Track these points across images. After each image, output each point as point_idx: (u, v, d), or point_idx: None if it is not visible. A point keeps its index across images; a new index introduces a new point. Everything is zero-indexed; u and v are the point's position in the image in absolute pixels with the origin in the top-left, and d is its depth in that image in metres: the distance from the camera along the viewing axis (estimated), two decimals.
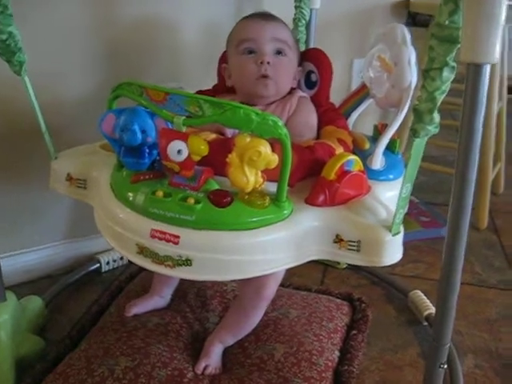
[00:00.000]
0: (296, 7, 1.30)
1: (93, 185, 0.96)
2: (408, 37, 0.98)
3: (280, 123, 0.74)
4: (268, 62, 1.02)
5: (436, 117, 0.74)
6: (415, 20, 1.83)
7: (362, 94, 1.16)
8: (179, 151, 0.75)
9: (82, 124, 1.20)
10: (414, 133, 0.75)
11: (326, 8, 1.40)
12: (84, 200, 0.98)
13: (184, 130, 0.76)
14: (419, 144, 0.76)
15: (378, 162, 0.99)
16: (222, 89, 1.12)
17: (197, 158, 0.76)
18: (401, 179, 1.00)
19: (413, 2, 1.69)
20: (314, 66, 1.12)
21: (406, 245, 0.84)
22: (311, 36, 1.39)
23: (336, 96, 1.18)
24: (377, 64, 1.06)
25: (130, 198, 0.82)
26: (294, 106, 1.05)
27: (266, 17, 1.06)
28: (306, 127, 1.03)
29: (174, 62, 1.39)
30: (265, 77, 1.02)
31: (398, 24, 1.01)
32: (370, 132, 1.16)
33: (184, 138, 0.75)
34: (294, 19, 1.30)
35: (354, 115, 1.17)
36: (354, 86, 1.63)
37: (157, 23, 1.36)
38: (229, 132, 0.98)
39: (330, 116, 1.08)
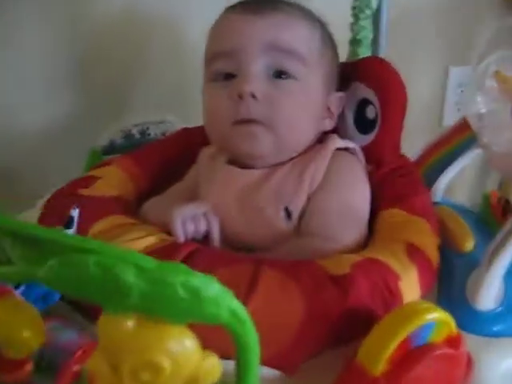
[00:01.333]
0: None
1: None
2: None
3: (222, 294, 0.26)
4: (253, 96, 0.54)
5: None
6: None
7: (461, 138, 0.65)
8: None
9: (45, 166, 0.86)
10: None
11: None
12: None
13: None
14: None
15: (490, 296, 0.48)
16: None
17: (18, 356, 0.30)
18: None
19: None
20: (371, 90, 0.61)
21: None
22: (382, 34, 0.88)
23: (419, 135, 0.68)
24: (493, 87, 0.57)
25: None
26: (323, 170, 0.56)
27: (259, 7, 0.57)
28: (341, 216, 0.54)
29: (171, 81, 0.93)
30: (247, 122, 0.55)
31: None
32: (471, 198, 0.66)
33: None
34: (354, 8, 0.80)
35: (447, 176, 0.66)
36: (449, 113, 1.13)
37: (148, 26, 0.91)
38: (189, 229, 0.51)
39: (397, 186, 0.58)
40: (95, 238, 0.48)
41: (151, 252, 0.45)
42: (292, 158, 0.58)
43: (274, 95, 0.55)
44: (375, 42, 0.88)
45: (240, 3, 0.60)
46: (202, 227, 0.51)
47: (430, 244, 0.51)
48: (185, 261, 0.44)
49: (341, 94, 0.62)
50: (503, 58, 0.55)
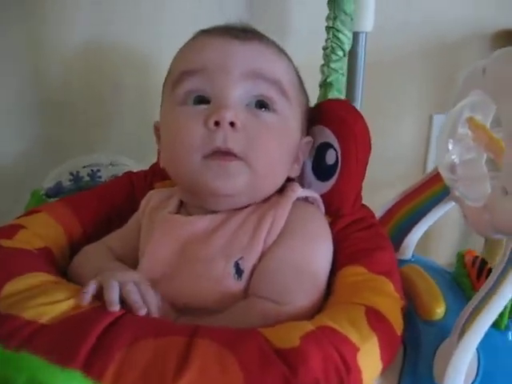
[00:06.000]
0: (328, 29, 0.75)
1: None
2: None
3: None
4: (232, 124, 0.48)
5: None
6: None
7: (434, 189, 0.59)
8: None
9: None
10: None
11: (383, 34, 0.84)
12: None
13: None
14: None
15: (459, 375, 0.41)
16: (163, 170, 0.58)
17: None
18: None
19: None
20: (332, 133, 0.55)
21: None
22: (358, 78, 0.83)
23: (402, 185, 0.62)
24: (466, 135, 0.51)
25: None
26: (281, 223, 0.49)
27: (240, 32, 0.52)
28: (297, 278, 0.47)
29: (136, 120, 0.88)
30: (222, 153, 0.48)
31: None
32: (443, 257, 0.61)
33: None
34: (325, 49, 0.75)
35: (418, 231, 0.60)
36: (433, 162, 1.08)
37: (122, 59, 0.86)
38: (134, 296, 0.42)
39: (358, 240, 0.51)
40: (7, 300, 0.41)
41: (70, 317, 0.38)
42: (248, 206, 0.52)
43: (254, 127, 0.48)
44: (351, 87, 0.83)
45: (216, 27, 0.53)
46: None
47: (393, 308, 0.44)
48: (107, 329, 0.36)
49: (309, 138, 0.56)
50: (477, 102, 0.50)
